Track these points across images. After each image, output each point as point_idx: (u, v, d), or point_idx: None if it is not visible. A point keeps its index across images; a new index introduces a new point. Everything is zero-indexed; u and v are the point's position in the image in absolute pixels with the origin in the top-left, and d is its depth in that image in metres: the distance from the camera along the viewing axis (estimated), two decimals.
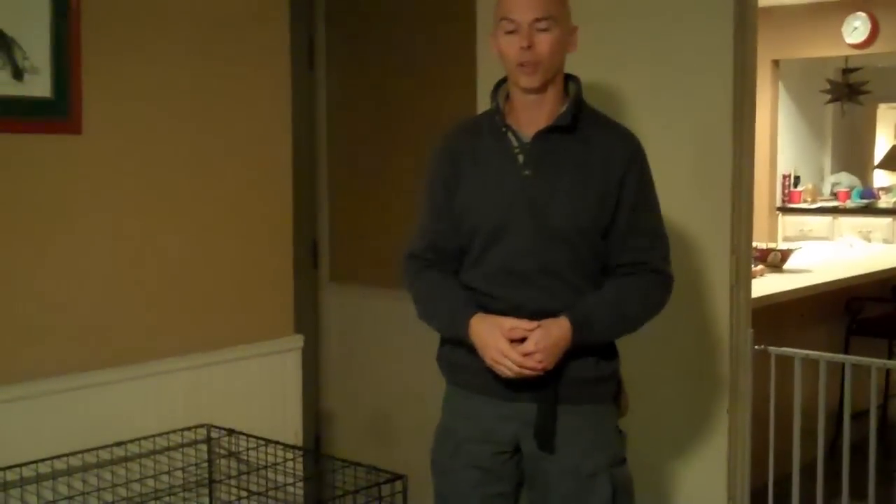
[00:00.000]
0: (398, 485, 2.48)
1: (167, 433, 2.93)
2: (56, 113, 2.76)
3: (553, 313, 2.20)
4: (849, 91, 8.73)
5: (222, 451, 3.01)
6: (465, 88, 3.87)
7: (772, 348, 3.48)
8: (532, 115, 2.28)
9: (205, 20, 3.09)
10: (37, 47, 2.70)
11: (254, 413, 3.16)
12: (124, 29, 2.90)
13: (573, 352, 2.22)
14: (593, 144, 2.28)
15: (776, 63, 8.27)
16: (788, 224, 8.57)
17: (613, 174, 2.26)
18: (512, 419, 2.31)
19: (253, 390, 3.22)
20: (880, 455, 3.46)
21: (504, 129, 2.30)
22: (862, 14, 7.74)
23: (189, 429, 2.98)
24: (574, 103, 2.29)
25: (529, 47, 2.21)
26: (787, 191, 8.78)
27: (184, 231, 3.07)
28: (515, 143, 2.28)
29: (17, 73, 2.67)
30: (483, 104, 3.60)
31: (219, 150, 3.15)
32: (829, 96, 8.91)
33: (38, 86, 2.72)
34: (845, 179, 9.26)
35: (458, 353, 2.34)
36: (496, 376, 2.26)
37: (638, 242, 2.29)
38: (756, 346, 3.45)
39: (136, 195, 2.95)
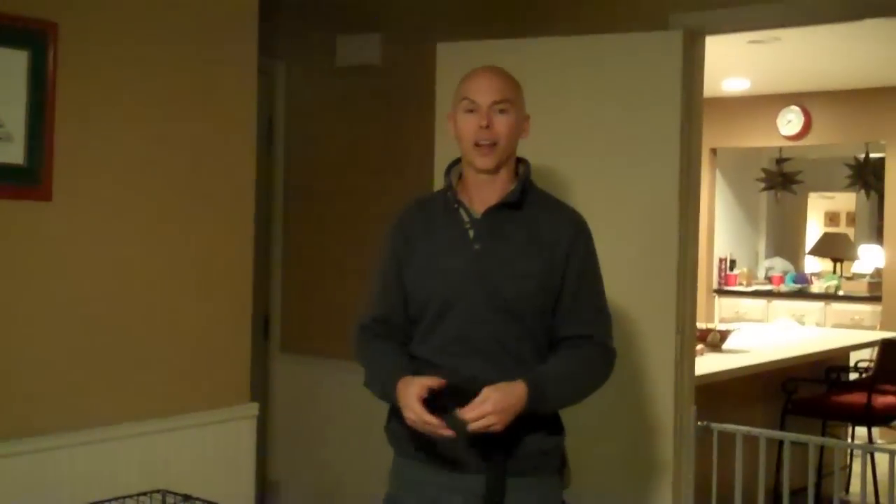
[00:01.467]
0: None
1: (123, 497, 2.94)
2: (28, 180, 2.81)
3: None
4: (783, 180, 9.05)
5: None
6: (421, 167, 4.01)
7: (714, 424, 3.61)
8: (483, 194, 2.38)
9: (176, 86, 3.18)
10: (12, 115, 2.76)
11: (208, 479, 3.19)
12: (96, 100, 2.98)
13: (522, 421, 2.25)
14: (540, 222, 2.38)
15: (714, 151, 8.56)
16: (724, 306, 8.79)
17: (559, 251, 2.35)
18: (458, 490, 2.34)
19: (208, 456, 3.25)
20: None
21: (456, 206, 2.39)
22: (796, 108, 8.08)
23: (144, 494, 2.99)
24: (522, 183, 2.39)
25: (488, 127, 2.32)
26: (723, 274, 9.02)
27: (145, 299, 3.12)
28: (466, 219, 2.38)
29: None
30: (439, 184, 3.74)
31: (182, 220, 3.22)
32: (763, 184, 9.22)
33: (12, 153, 2.77)
34: (779, 264, 9.54)
35: (402, 425, 2.35)
36: (442, 448, 2.31)
37: (583, 317, 2.37)
38: (699, 423, 3.57)
39: (100, 262, 3.00)
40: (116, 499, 2.93)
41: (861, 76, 7.33)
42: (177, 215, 3.20)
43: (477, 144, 2.34)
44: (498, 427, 2.20)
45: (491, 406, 2.18)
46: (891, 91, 7.59)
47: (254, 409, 3.44)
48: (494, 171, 2.37)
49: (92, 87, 2.96)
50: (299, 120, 4.79)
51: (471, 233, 2.37)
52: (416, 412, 2.21)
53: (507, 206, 2.37)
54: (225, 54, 3.35)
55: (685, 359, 3.59)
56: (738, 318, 8.09)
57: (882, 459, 4.28)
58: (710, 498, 3.69)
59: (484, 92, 2.35)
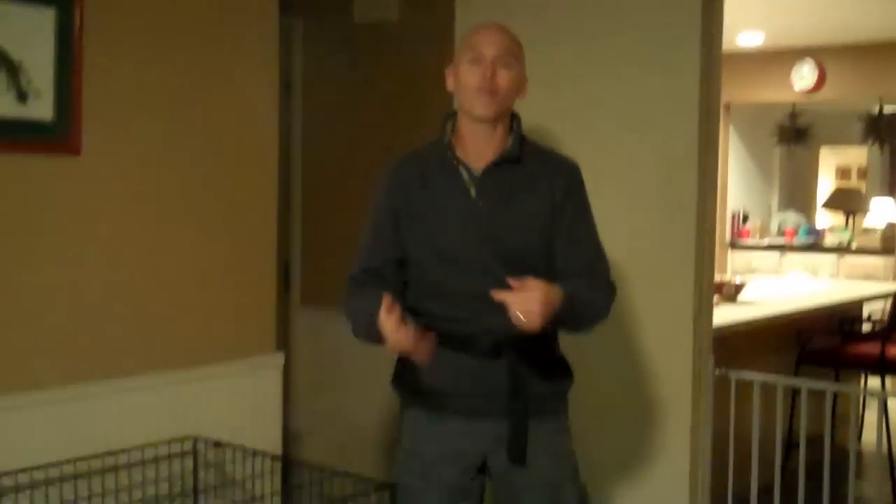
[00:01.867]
0: (387, 494, 2.59)
1: (154, 444, 3.02)
2: (57, 135, 2.86)
3: (518, 332, 2.25)
4: (796, 134, 9.05)
5: (208, 462, 3.10)
6: (440, 116, 4.04)
7: (732, 372, 3.66)
8: (481, 148, 2.43)
9: (200, 47, 3.22)
10: (40, 71, 2.80)
11: (237, 427, 3.26)
12: (123, 54, 3.02)
13: (537, 364, 2.35)
14: (537, 174, 2.44)
15: (727, 107, 8.55)
16: (737, 259, 8.84)
17: (557, 198, 2.42)
18: (481, 437, 2.42)
19: (236, 405, 3.32)
20: (832, 479, 3.64)
21: (455, 163, 2.43)
22: (810, 61, 8.06)
23: (176, 440, 3.07)
24: (517, 137, 2.45)
25: (492, 77, 2.37)
26: (736, 228, 9.05)
27: (174, 250, 3.18)
28: (466, 176, 2.42)
29: (21, 96, 2.77)
30: None
31: (208, 171, 3.27)
32: (776, 139, 9.23)
33: (41, 108, 2.81)
34: (792, 218, 9.56)
35: (418, 374, 2.42)
36: (460, 394, 2.38)
37: (585, 254, 2.45)
38: (717, 371, 3.63)
39: (128, 215, 3.06)
40: (148, 445, 3.02)
41: (876, 30, 7.30)
42: (203, 168, 3.25)
43: (480, 90, 2.37)
44: (533, 318, 2.17)
45: (540, 294, 2.18)
46: None
47: (280, 358, 3.51)
48: (492, 121, 2.41)
49: (117, 43, 3.00)
50: (317, 76, 4.82)
51: (472, 190, 2.42)
52: (384, 321, 2.20)
53: (505, 162, 2.42)
54: (247, 9, 3.38)
55: (703, 310, 3.64)
56: (751, 272, 8.13)
57: (894, 411, 4.35)
58: (726, 445, 3.75)
59: (491, 44, 2.40)
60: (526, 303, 2.17)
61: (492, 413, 2.39)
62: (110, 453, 2.91)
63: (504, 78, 2.39)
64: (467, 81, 2.40)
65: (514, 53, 2.42)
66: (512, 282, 2.20)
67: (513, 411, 2.38)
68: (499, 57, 2.38)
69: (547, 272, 2.40)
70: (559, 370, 2.50)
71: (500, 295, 2.19)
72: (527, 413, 2.38)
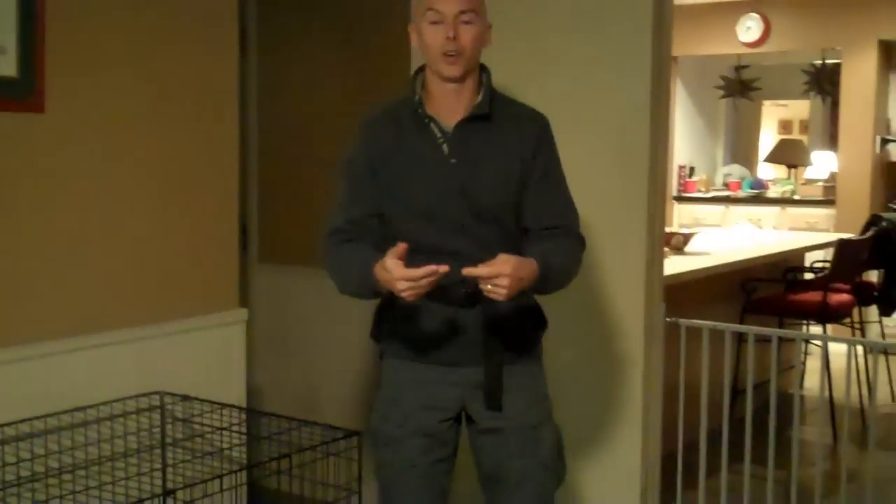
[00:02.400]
0: (354, 440, 2.67)
1: (123, 399, 3.07)
2: (21, 92, 2.87)
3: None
4: (741, 87, 9.19)
5: (175, 416, 3.16)
6: (396, 79, 4.08)
7: (682, 320, 3.78)
8: (451, 105, 2.45)
9: (161, 3, 3.23)
10: (3, 28, 2.81)
11: (203, 382, 3.32)
12: (85, 11, 3.02)
13: (514, 310, 2.41)
14: (508, 128, 2.47)
15: (674, 59, 8.65)
16: (684, 212, 8.99)
17: (527, 151, 2.46)
18: (457, 384, 2.48)
19: (201, 360, 3.38)
20: (777, 424, 3.78)
21: (427, 120, 2.45)
22: (755, 15, 8.18)
23: (143, 395, 3.13)
24: (487, 92, 2.47)
25: (454, 38, 2.38)
26: (682, 181, 9.21)
27: (138, 207, 3.21)
28: (438, 133, 2.44)
29: None
30: None
31: (171, 130, 3.29)
32: (722, 92, 9.37)
33: (4, 65, 2.82)
34: (736, 171, 9.74)
35: (396, 324, 2.48)
36: (437, 344, 2.44)
37: (555, 209, 2.51)
38: (667, 319, 3.75)
39: (93, 173, 3.08)
40: (117, 400, 3.07)
41: None
42: (166, 127, 3.27)
43: (445, 54, 2.39)
44: (504, 291, 2.24)
45: (509, 268, 2.24)
46: None
47: (243, 314, 3.57)
48: (461, 79, 2.43)
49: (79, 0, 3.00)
50: (273, 39, 4.81)
51: (445, 147, 2.44)
52: (401, 273, 2.22)
53: (477, 118, 2.45)
54: None
55: (655, 259, 3.74)
56: (698, 224, 8.29)
57: (835, 358, 4.52)
58: (675, 393, 3.88)
59: (450, 2, 2.39)
60: (497, 279, 2.24)
61: (468, 361, 2.46)
62: (79, 409, 2.95)
63: (467, 35, 2.40)
64: (430, 42, 2.41)
65: (474, 7, 2.42)
66: (482, 266, 2.25)
67: (488, 359, 2.44)
68: (459, 14, 2.39)
69: (516, 227, 2.47)
70: (532, 316, 2.55)
71: (470, 271, 2.25)
72: (502, 360, 2.45)
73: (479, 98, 2.47)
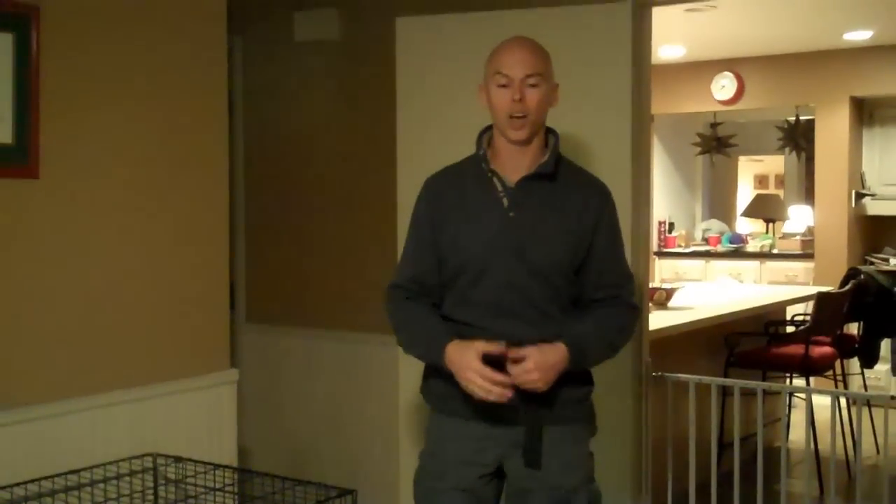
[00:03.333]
0: (348, 499, 2.68)
1: (116, 462, 3.08)
2: (17, 159, 2.92)
3: (537, 343, 2.38)
4: (717, 144, 9.33)
5: (168, 477, 3.17)
6: (382, 140, 4.16)
7: (668, 375, 3.82)
8: (516, 163, 2.50)
9: (153, 71, 3.30)
10: (0, 96, 2.86)
11: (194, 443, 3.33)
12: (79, 78, 3.08)
13: (563, 376, 2.42)
14: (570, 191, 2.52)
15: (651, 117, 8.78)
16: (665, 267, 9.07)
17: (588, 219, 2.50)
18: (498, 441, 2.49)
19: (193, 421, 3.40)
20: (764, 476, 3.82)
21: (490, 175, 2.50)
22: (729, 73, 8.33)
23: (136, 457, 3.13)
24: (554, 153, 2.52)
25: (521, 100, 2.44)
26: (662, 236, 9.30)
27: (130, 271, 3.24)
28: (500, 188, 2.49)
29: None
30: (403, 157, 3.89)
31: (163, 194, 3.34)
32: (699, 148, 9.51)
33: (1, 133, 2.87)
34: (715, 226, 9.84)
35: (443, 383, 2.50)
36: (482, 402, 2.43)
37: (611, 280, 2.54)
38: (654, 374, 3.79)
39: (86, 237, 3.12)
40: (110, 463, 3.07)
41: (791, 42, 7.60)
42: (158, 190, 3.32)
43: (511, 117, 2.45)
44: (540, 385, 2.35)
45: (532, 364, 2.33)
46: (820, 55, 7.88)
47: (234, 374, 3.59)
48: (527, 142, 2.49)
49: (73, 67, 3.07)
50: (259, 94, 4.89)
51: (505, 201, 2.48)
52: (483, 373, 2.33)
53: (540, 177, 2.49)
54: (196, 31, 3.46)
55: (641, 315, 3.79)
56: (679, 279, 8.36)
57: (819, 410, 4.57)
58: (664, 446, 3.91)
59: (516, 66, 2.46)
60: (525, 375, 2.33)
61: (510, 419, 2.47)
62: (73, 471, 2.96)
63: (533, 98, 2.45)
64: (497, 103, 2.47)
65: (540, 71, 2.48)
66: (512, 353, 2.35)
67: (529, 417, 2.46)
68: (526, 77, 2.45)
69: (569, 289, 2.50)
70: (579, 377, 2.55)
71: (503, 381, 2.35)
72: (541, 419, 2.46)
73: (546, 157, 2.51)
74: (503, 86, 2.46)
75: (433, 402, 2.60)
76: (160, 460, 3.16)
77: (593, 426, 2.64)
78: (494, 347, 2.36)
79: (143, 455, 3.16)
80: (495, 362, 2.37)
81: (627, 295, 2.58)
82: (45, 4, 2.97)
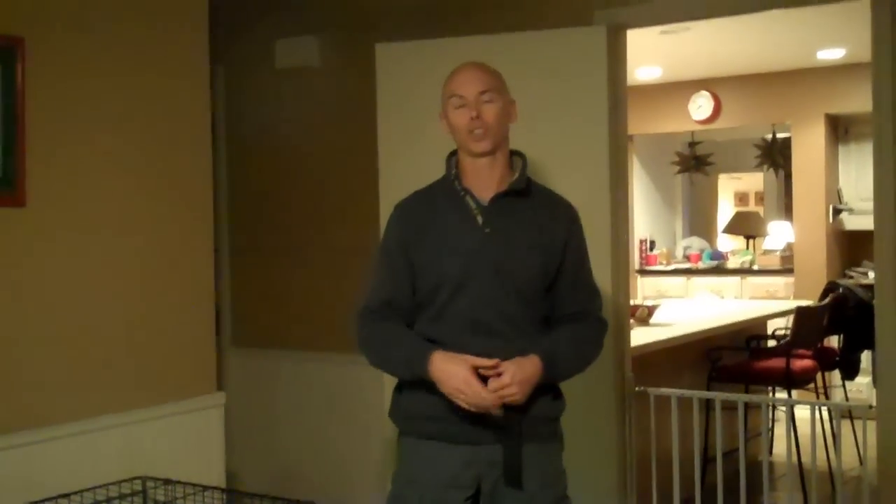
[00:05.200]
0: None
1: (106, 485, 3.10)
2: (3, 187, 2.96)
3: (512, 357, 2.42)
4: (696, 162, 9.44)
5: (157, 500, 3.19)
6: (363, 164, 4.22)
7: (650, 389, 3.88)
8: (484, 181, 2.56)
9: (136, 99, 3.35)
10: None
11: (183, 465, 3.36)
12: (64, 108, 3.13)
13: (535, 389, 2.44)
14: (541, 209, 2.58)
15: (630, 138, 8.88)
16: (647, 285, 9.14)
17: (559, 237, 2.56)
18: (475, 462, 2.50)
19: (181, 444, 3.43)
20: (748, 490, 3.86)
21: (462, 193, 2.56)
22: (706, 93, 8.44)
23: (126, 480, 3.16)
24: (524, 172, 2.59)
25: (478, 117, 2.50)
26: (644, 254, 9.38)
27: (117, 297, 3.28)
28: (474, 205, 2.55)
29: None
30: (385, 180, 3.95)
31: (148, 221, 3.39)
32: (678, 167, 9.61)
33: None
34: (696, 243, 9.93)
35: (416, 403, 2.53)
36: (456, 422, 2.47)
37: (580, 296, 2.60)
38: (636, 389, 3.85)
39: (73, 263, 3.16)
40: (100, 486, 3.10)
41: (766, 61, 7.71)
42: (143, 217, 3.37)
43: (470, 132, 2.51)
44: (518, 397, 2.40)
45: (509, 378, 2.38)
46: (794, 74, 8.00)
47: (221, 398, 3.63)
48: (491, 152, 2.54)
49: (59, 96, 3.12)
50: (240, 121, 4.95)
51: (479, 218, 2.53)
52: (473, 386, 2.37)
53: (512, 194, 2.55)
54: (179, 60, 3.52)
55: (621, 331, 3.86)
56: (661, 296, 8.43)
57: (801, 423, 4.63)
58: (648, 461, 3.96)
59: (469, 85, 2.53)
60: (503, 389, 2.38)
61: (486, 438, 2.49)
62: (64, 495, 2.98)
63: (490, 112, 2.52)
64: (457, 123, 2.54)
65: (493, 87, 2.54)
66: (484, 371, 2.39)
67: (507, 436, 2.48)
68: (480, 94, 2.52)
69: (542, 305, 2.55)
70: (550, 395, 2.58)
71: (480, 398, 2.38)
72: (521, 438, 2.49)
73: (517, 175, 2.58)
74: (460, 106, 2.53)
75: (403, 423, 2.61)
76: (150, 483, 3.19)
77: (563, 443, 2.67)
78: (485, 363, 2.40)
79: (133, 478, 3.19)
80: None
81: (596, 310, 2.64)
82: (31, 36, 3.02)
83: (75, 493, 3.02)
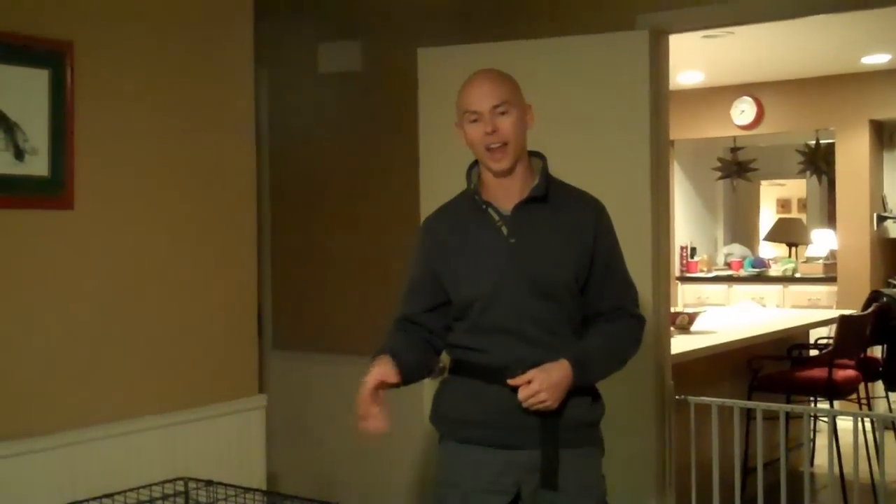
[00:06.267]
0: None
1: (149, 486, 3.14)
2: (52, 190, 3.00)
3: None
4: (738, 168, 9.37)
5: (199, 501, 3.22)
6: (405, 169, 4.24)
7: (691, 398, 3.85)
8: (506, 192, 2.55)
9: (184, 103, 3.39)
10: (36, 130, 2.96)
11: (224, 467, 3.39)
12: (112, 111, 3.17)
13: (569, 395, 2.44)
14: (564, 210, 2.56)
15: (672, 143, 8.83)
16: (687, 292, 9.09)
17: (587, 235, 2.55)
18: (514, 467, 2.50)
19: (223, 446, 3.45)
20: (789, 501, 3.83)
21: (484, 206, 2.55)
22: (748, 98, 8.39)
23: (168, 481, 3.19)
24: (544, 176, 2.57)
25: (494, 132, 2.49)
26: (684, 261, 9.33)
27: (162, 299, 3.32)
28: (497, 217, 2.54)
29: (19, 154, 2.92)
30: (426, 185, 3.96)
31: (193, 224, 3.42)
32: (719, 173, 9.54)
33: (37, 165, 2.97)
34: (737, 250, 9.86)
35: (456, 408, 2.55)
36: (495, 427, 2.48)
37: (614, 291, 2.59)
38: (676, 397, 3.83)
39: (119, 265, 3.20)
40: (143, 487, 3.13)
41: (810, 66, 7.65)
42: (188, 220, 3.41)
43: (488, 149, 2.50)
44: (549, 403, 2.40)
45: (537, 385, 2.38)
46: (838, 79, 7.92)
47: (262, 400, 3.65)
48: (510, 171, 2.53)
49: (106, 100, 3.16)
50: (283, 124, 4.99)
51: (503, 229, 2.52)
52: (362, 399, 2.43)
53: (534, 200, 2.54)
54: (224, 63, 3.55)
55: (662, 338, 3.84)
56: (701, 303, 8.38)
57: (844, 434, 4.57)
58: (688, 471, 3.93)
59: (482, 100, 2.51)
60: (533, 397, 2.39)
61: (525, 443, 2.49)
62: (108, 495, 3.02)
63: (506, 125, 2.50)
64: (474, 139, 2.53)
65: (507, 98, 2.52)
66: (512, 382, 2.40)
67: (545, 441, 2.48)
68: (494, 108, 2.50)
69: (577, 307, 2.55)
70: (589, 399, 2.58)
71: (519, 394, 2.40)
72: (558, 443, 2.48)
73: (536, 181, 2.56)
74: (475, 121, 2.52)
75: (444, 428, 2.63)
76: (192, 484, 3.22)
77: (603, 449, 2.65)
78: (392, 380, 2.46)
79: (175, 479, 3.21)
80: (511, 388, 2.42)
81: (630, 304, 2.62)
82: (80, 40, 3.06)
83: (118, 493, 3.05)
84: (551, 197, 2.57)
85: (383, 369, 2.46)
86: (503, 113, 2.51)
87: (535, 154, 2.64)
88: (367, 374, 2.46)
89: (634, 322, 2.63)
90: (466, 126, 2.55)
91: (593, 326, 2.57)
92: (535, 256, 2.51)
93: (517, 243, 2.52)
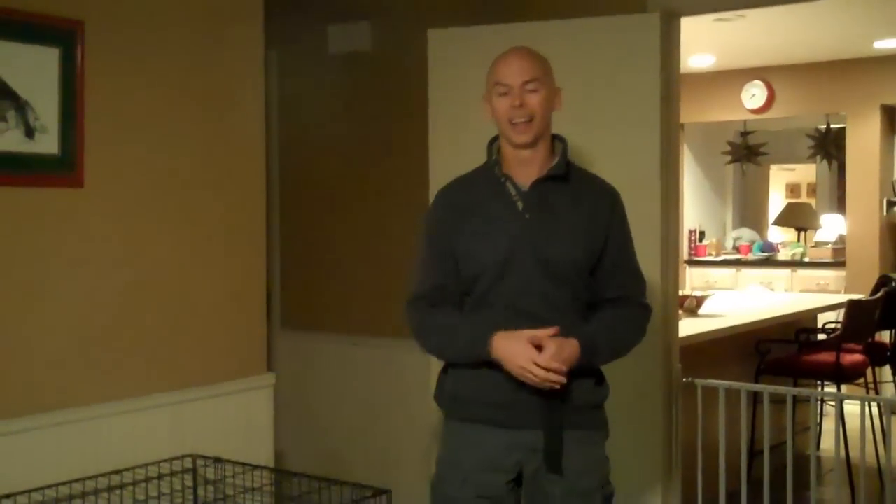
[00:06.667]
0: (383, 499, 2.74)
1: (157, 462, 3.16)
2: (62, 168, 3.02)
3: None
4: (748, 152, 9.33)
5: (207, 478, 3.25)
6: (414, 150, 4.24)
7: (698, 380, 3.86)
8: (525, 168, 2.56)
9: (193, 83, 3.40)
10: (46, 108, 2.97)
11: (232, 445, 3.41)
12: (122, 90, 3.18)
13: (574, 377, 2.46)
14: (582, 193, 2.58)
15: (681, 126, 8.80)
16: (696, 275, 9.08)
17: (601, 220, 2.56)
18: (517, 447, 2.52)
19: (231, 423, 3.48)
20: (795, 484, 3.84)
21: (503, 179, 2.56)
22: (759, 82, 8.36)
23: (176, 458, 3.22)
24: (564, 157, 2.58)
25: (521, 106, 2.51)
26: (693, 245, 9.31)
27: (171, 278, 3.34)
28: (514, 192, 2.55)
29: (29, 132, 2.93)
30: (435, 166, 3.96)
31: (202, 202, 3.43)
32: (729, 157, 9.52)
33: (47, 144, 2.98)
34: (746, 234, 9.84)
35: (461, 386, 2.56)
36: (499, 406, 2.50)
37: (624, 279, 2.60)
38: (684, 379, 3.83)
39: (129, 243, 3.21)
40: (151, 463, 3.16)
41: (821, 50, 7.61)
42: (197, 199, 3.42)
43: (512, 122, 2.52)
44: (556, 378, 2.41)
45: (550, 355, 2.39)
46: (850, 63, 7.89)
47: (271, 378, 3.67)
48: (532, 144, 2.54)
49: (116, 79, 3.17)
50: (293, 105, 4.99)
51: (519, 204, 2.54)
52: (531, 357, 2.39)
53: (552, 179, 2.55)
54: (234, 44, 3.55)
55: (670, 321, 3.84)
56: (710, 287, 8.37)
57: (850, 418, 4.58)
58: (694, 453, 3.94)
59: (514, 74, 2.53)
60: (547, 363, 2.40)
61: (529, 423, 2.51)
62: (116, 472, 3.04)
63: (533, 103, 2.52)
64: (500, 112, 2.54)
65: (539, 76, 2.54)
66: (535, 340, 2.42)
67: (549, 422, 2.50)
68: (524, 84, 2.52)
69: (585, 290, 2.56)
70: (594, 381, 2.60)
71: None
72: (561, 423, 2.50)
73: (556, 160, 2.57)
74: (503, 94, 2.54)
75: (449, 406, 2.63)
76: (199, 461, 3.24)
77: (607, 431, 2.67)
78: (541, 333, 2.42)
79: (183, 456, 3.24)
80: None
81: (639, 294, 2.64)
82: (90, 19, 3.07)
83: (127, 469, 3.08)
84: (570, 178, 2.58)
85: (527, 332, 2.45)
86: (533, 90, 2.53)
87: (557, 138, 2.64)
88: (513, 355, 2.44)
89: (642, 311, 2.65)
90: (495, 99, 2.56)
91: (601, 311, 2.58)
92: (547, 233, 2.52)
93: (531, 219, 2.53)
